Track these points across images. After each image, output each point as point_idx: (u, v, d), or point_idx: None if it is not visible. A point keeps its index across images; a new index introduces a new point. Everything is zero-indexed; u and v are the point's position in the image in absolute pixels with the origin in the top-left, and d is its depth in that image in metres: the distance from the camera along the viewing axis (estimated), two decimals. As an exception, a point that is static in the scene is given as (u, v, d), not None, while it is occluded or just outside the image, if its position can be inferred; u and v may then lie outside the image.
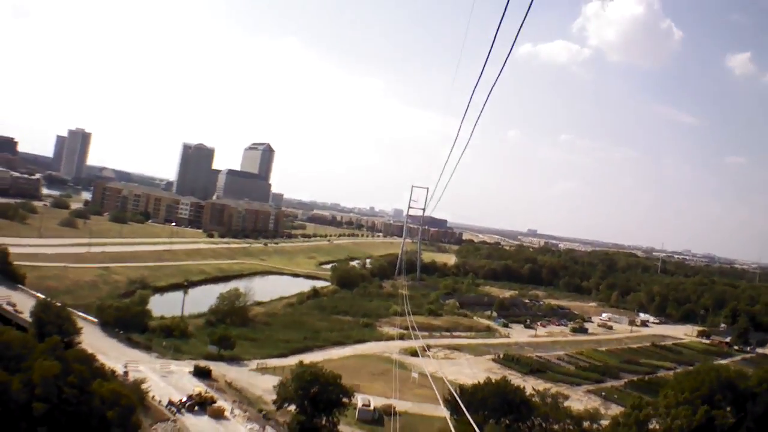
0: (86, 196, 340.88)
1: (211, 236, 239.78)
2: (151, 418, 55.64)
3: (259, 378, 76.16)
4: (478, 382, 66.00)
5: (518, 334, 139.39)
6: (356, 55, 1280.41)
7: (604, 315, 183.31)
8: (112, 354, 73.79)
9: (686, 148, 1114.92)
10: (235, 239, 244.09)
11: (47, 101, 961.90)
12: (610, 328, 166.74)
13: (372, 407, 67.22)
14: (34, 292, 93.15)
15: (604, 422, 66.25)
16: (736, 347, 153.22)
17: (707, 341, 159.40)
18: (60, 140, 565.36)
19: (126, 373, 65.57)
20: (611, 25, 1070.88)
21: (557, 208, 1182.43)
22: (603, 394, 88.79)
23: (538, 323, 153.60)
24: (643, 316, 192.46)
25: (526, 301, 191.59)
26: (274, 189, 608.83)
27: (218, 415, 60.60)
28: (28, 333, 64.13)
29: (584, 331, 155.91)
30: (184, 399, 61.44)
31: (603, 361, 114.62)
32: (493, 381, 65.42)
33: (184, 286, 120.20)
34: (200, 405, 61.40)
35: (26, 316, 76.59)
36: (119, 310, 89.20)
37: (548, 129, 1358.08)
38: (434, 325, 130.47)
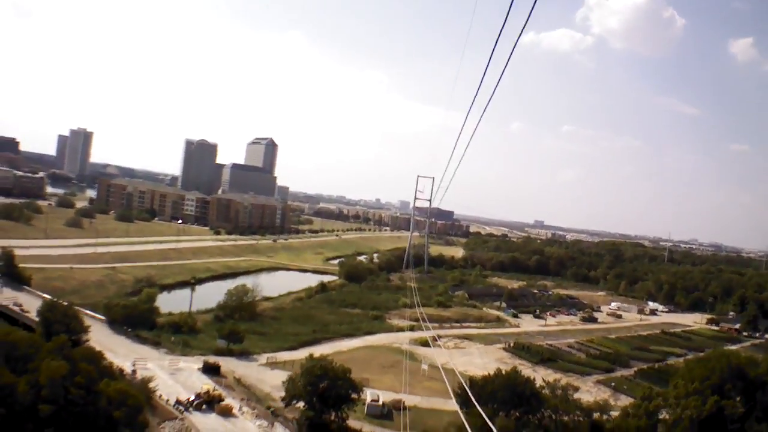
0: (91, 193, 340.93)
1: (218, 233, 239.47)
2: (158, 417, 55.53)
3: (269, 373, 75.85)
4: (488, 374, 65.30)
5: (528, 324, 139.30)
6: (359, 49, 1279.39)
7: (613, 304, 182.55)
8: (120, 351, 73.94)
9: (690, 136, 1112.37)
10: (242, 236, 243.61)
11: (49, 100, 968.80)
12: (620, 316, 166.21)
13: (381, 402, 66.95)
14: (40, 293, 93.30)
15: (614, 413, 65.68)
16: (745, 333, 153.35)
17: (716, 328, 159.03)
18: (62, 139, 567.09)
19: (134, 371, 65.49)
20: (614, 14, 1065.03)
21: (563, 199, 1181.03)
22: (613, 384, 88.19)
23: (548, 313, 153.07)
24: (651, 304, 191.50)
25: (535, 291, 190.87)
26: (279, 182, 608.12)
27: (226, 412, 60.40)
28: (35, 332, 64.16)
29: (594, 320, 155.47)
30: (192, 398, 61.26)
31: (613, 349, 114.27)
32: (503, 373, 64.79)
33: (192, 282, 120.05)
34: (208, 403, 61.17)
35: (33, 315, 76.76)
36: (127, 308, 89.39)
37: (551, 120, 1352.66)
38: (444, 317, 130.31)
